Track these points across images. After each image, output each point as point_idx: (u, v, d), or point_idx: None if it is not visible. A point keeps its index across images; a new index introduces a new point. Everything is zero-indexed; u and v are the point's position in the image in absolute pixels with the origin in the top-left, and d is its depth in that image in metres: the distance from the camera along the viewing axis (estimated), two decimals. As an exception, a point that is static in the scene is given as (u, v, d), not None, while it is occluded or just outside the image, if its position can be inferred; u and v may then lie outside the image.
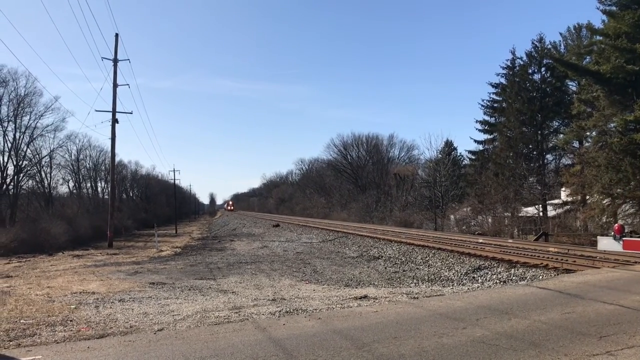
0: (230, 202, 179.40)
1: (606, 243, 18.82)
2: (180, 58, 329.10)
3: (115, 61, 36.08)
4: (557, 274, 14.83)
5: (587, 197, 34.02)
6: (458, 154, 62.00)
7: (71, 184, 68.44)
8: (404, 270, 20.84)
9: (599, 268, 15.12)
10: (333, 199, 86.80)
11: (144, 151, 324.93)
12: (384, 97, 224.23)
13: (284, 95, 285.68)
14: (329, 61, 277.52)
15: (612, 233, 18.83)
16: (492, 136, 49.16)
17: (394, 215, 58.98)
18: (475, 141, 51.30)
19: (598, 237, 20.49)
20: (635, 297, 9.91)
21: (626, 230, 23.68)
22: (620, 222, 29.37)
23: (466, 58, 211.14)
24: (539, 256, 18.89)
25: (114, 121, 35.79)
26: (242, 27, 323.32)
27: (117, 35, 36.34)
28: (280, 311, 9.64)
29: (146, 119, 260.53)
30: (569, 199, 37.34)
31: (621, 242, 18.11)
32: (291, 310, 9.67)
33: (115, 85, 35.93)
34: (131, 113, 59.25)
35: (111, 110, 35.81)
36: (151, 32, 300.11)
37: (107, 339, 7.57)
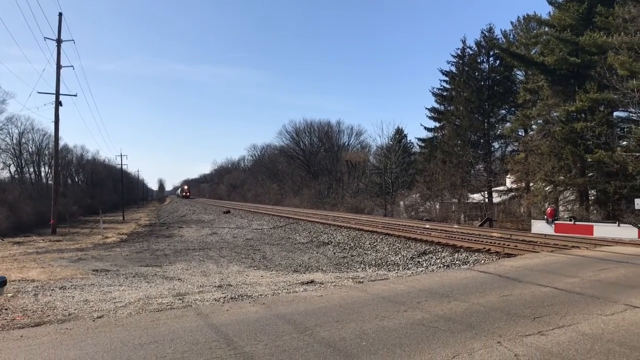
0: (186, 187, 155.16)
1: (539, 226, 19.59)
2: (123, 41, 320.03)
3: (59, 41, 34.71)
4: (499, 258, 15.30)
5: (531, 184, 35.18)
6: (408, 142, 62.81)
7: (12, 168, 65.98)
8: (352, 256, 21.07)
9: (538, 252, 15.69)
10: (285, 186, 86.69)
11: (90, 135, 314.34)
12: (337, 85, 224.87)
13: (234, 80, 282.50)
14: (279, 49, 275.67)
15: (545, 217, 19.60)
16: (441, 124, 49.91)
17: (346, 202, 59.50)
18: (425, 129, 52.10)
19: (532, 220, 21.28)
20: (569, 280, 10.33)
21: (566, 216, 24.61)
22: (560, 208, 30.55)
23: (420, 46, 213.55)
24: (482, 241, 19.44)
25: (58, 104, 34.50)
26: (188, 10, 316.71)
27: (60, 14, 34.92)
28: (225, 297, 9.56)
29: (92, 102, 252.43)
30: (514, 185, 38.59)
31: (553, 226, 18.89)
32: (236, 296, 9.61)
33: (59, 67, 34.57)
34: (75, 95, 57.58)
35: (54, 92, 34.54)
36: (90, 13, 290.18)
37: (43, 327, 7.33)
